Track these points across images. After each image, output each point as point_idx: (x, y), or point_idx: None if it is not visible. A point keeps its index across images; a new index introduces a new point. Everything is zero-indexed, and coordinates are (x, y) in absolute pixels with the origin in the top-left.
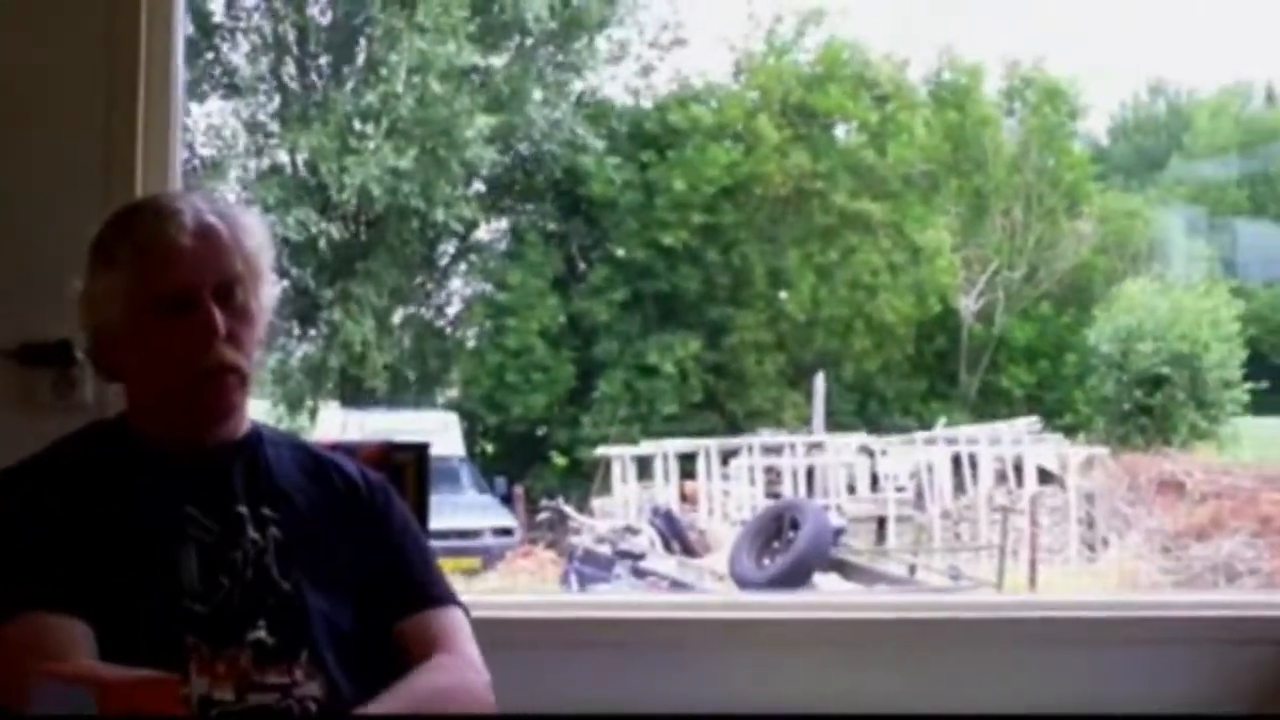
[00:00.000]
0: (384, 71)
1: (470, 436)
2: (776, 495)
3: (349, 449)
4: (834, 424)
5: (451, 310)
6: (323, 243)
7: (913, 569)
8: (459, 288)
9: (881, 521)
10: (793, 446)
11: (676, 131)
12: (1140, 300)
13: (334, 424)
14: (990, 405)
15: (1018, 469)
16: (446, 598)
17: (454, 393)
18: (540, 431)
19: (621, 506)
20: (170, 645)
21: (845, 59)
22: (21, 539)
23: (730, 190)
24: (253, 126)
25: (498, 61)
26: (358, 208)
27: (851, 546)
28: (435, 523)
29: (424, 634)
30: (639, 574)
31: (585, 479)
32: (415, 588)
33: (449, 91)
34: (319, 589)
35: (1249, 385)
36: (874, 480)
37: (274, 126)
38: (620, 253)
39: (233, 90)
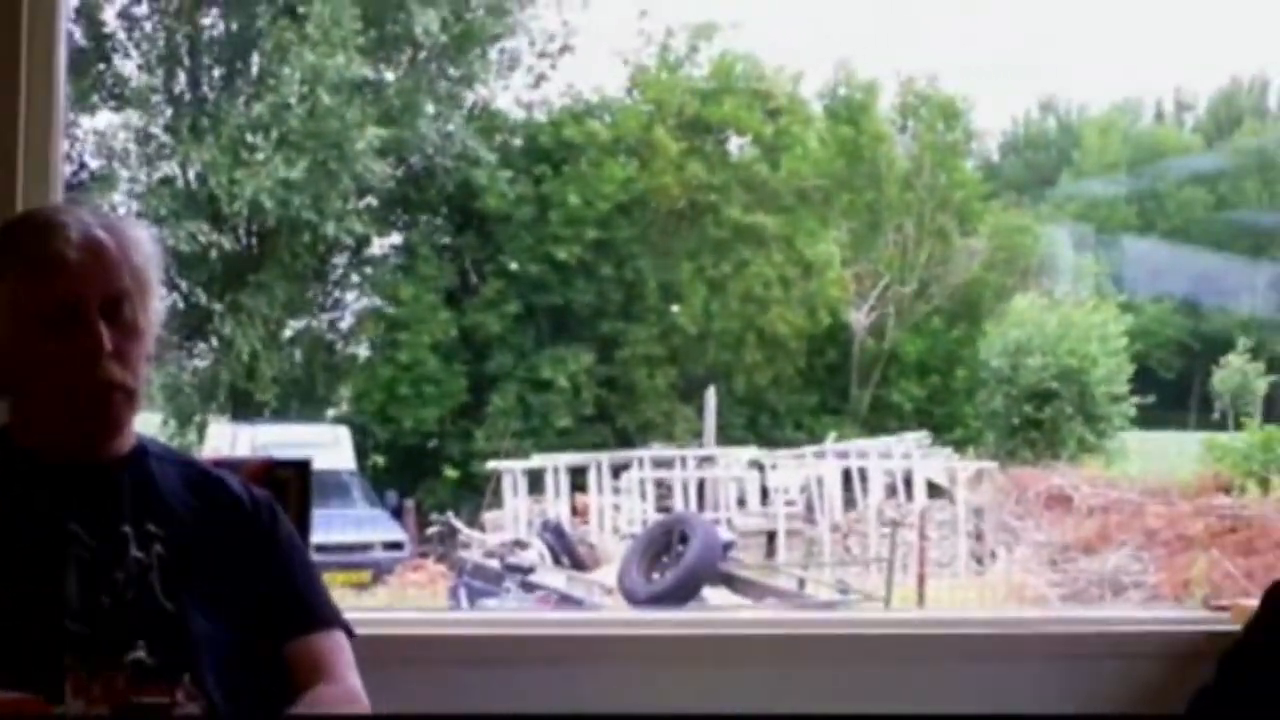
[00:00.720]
0: (275, 83)
1: (361, 450)
2: (667, 509)
3: (233, 465)
4: (725, 438)
5: (343, 324)
6: (214, 255)
7: (802, 583)
8: (351, 301)
9: (771, 535)
10: (683, 460)
11: (571, 146)
12: (1029, 316)
13: (224, 438)
14: (881, 419)
15: (907, 483)
16: (331, 619)
17: (345, 406)
18: (432, 445)
19: (513, 520)
20: (47, 665)
21: (739, 72)
22: None
23: (624, 205)
24: (144, 138)
25: (389, 74)
26: (249, 220)
27: (741, 560)
28: (326, 536)
29: (307, 658)
30: (528, 588)
31: (477, 492)
32: (300, 608)
33: (340, 104)
34: (204, 608)
35: (1136, 400)
36: (764, 494)
37: (165, 138)
38: (513, 267)
39: (124, 101)
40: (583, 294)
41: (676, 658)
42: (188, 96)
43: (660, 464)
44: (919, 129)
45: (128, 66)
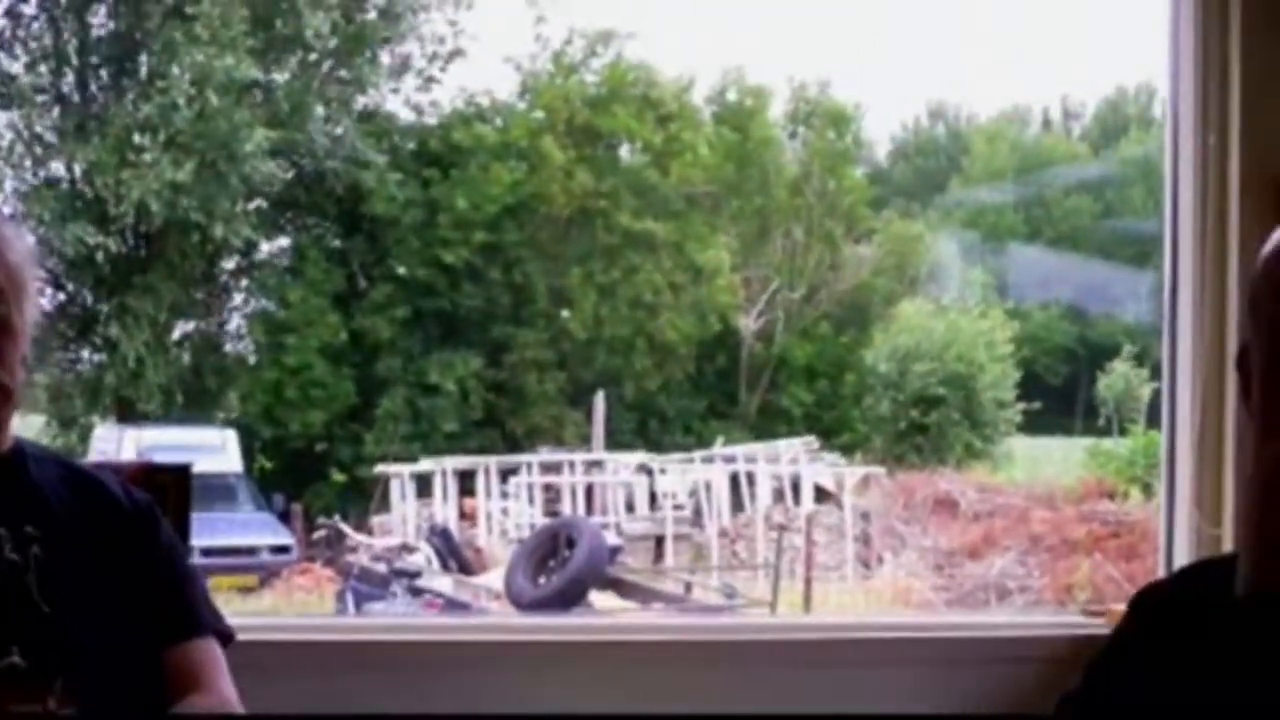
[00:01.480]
0: (163, 84)
1: (249, 453)
2: (556, 513)
3: (113, 469)
4: (614, 442)
5: (231, 326)
6: (100, 257)
7: (688, 587)
8: (239, 304)
9: (659, 540)
10: (572, 465)
11: (460, 150)
12: (917, 322)
13: (109, 441)
14: (769, 424)
15: (795, 487)
16: (208, 626)
17: (233, 409)
18: (320, 448)
19: (400, 524)
20: None
21: (631, 80)
22: None
23: (513, 209)
24: (30, 138)
25: (279, 76)
26: (136, 222)
27: (628, 565)
28: (212, 540)
29: (183, 665)
30: (415, 592)
31: (365, 496)
32: (178, 614)
33: (229, 106)
34: (81, 611)
35: (1022, 406)
36: (653, 498)
37: (52, 138)
38: (402, 270)
39: (10, 101)
40: (471, 298)
41: (562, 662)
42: (75, 96)
43: (548, 468)
44: (809, 135)
45: (14, 65)
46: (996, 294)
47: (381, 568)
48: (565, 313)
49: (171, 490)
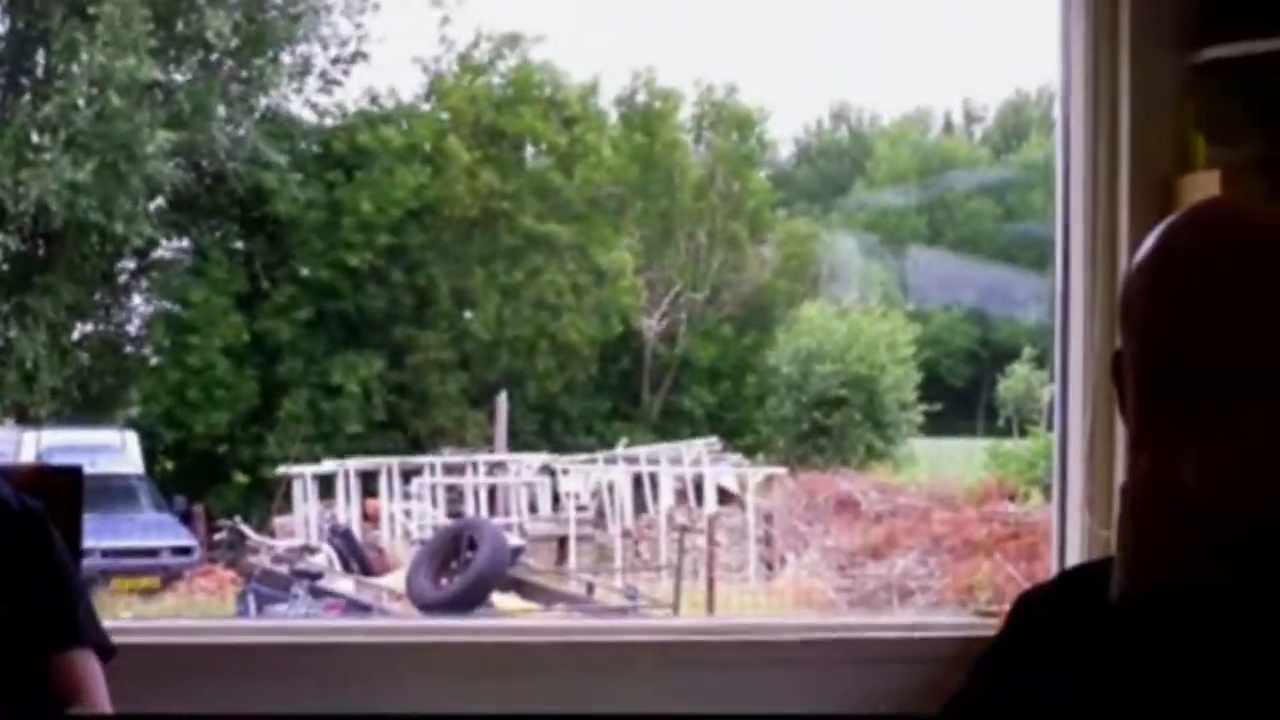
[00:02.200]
0: (62, 83)
1: (150, 454)
2: (458, 514)
3: (4, 472)
4: (517, 443)
5: (132, 327)
6: None
7: (591, 588)
8: (140, 304)
9: (563, 541)
10: (475, 466)
11: (364, 152)
12: (820, 323)
13: (7, 443)
14: (672, 425)
15: (698, 488)
16: (89, 639)
17: (134, 410)
18: (222, 450)
19: (303, 525)
20: None
21: (537, 81)
22: None
23: (417, 212)
24: None
25: (180, 77)
26: (35, 221)
27: (531, 566)
28: (113, 541)
29: (62, 676)
30: (317, 594)
31: (267, 498)
32: (60, 623)
33: (129, 105)
34: None
35: (924, 407)
36: (556, 499)
37: None
38: (305, 272)
39: None
40: (374, 300)
41: (464, 664)
42: None
43: (451, 469)
44: (714, 139)
45: None
46: (899, 296)
47: (283, 569)
48: (468, 314)
49: (64, 492)
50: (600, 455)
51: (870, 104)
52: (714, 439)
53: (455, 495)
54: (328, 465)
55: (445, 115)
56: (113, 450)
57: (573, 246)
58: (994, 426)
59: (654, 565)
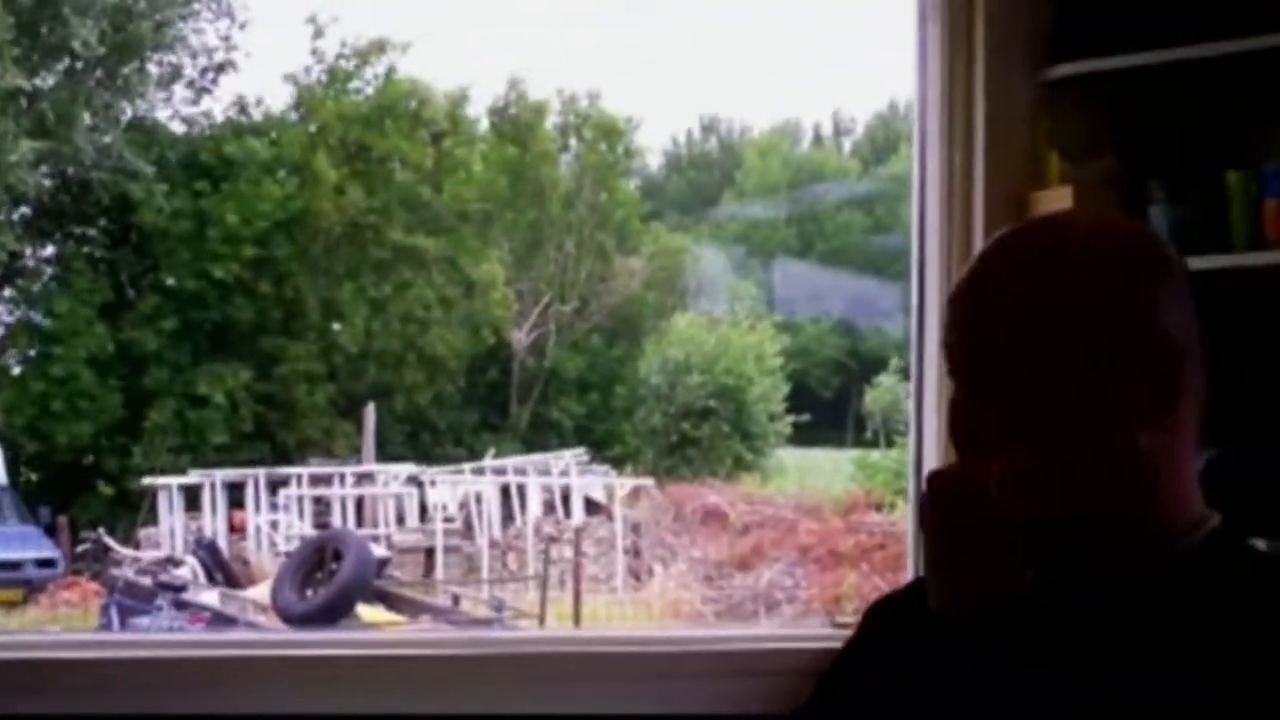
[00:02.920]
0: None
1: (14, 465)
2: (325, 525)
3: None
4: (384, 455)
5: None
6: None
7: (457, 600)
8: (2, 314)
9: (430, 552)
10: (342, 477)
11: (231, 163)
12: (688, 335)
13: None
14: (540, 436)
15: (566, 499)
16: None
17: None
18: (87, 461)
19: (169, 537)
20: None
21: (404, 93)
22: None
23: (284, 223)
24: None
25: (45, 84)
26: None
27: (397, 577)
28: None
29: None
30: (181, 606)
31: (133, 509)
32: None
33: None
34: None
35: (792, 418)
36: (424, 511)
37: None
38: (171, 282)
39: None
40: (241, 311)
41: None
42: None
43: (319, 480)
44: (581, 148)
45: None
46: (767, 307)
47: (147, 581)
48: (336, 326)
49: None
50: (468, 466)
51: (740, 115)
52: (582, 450)
53: (322, 507)
54: (194, 476)
55: (313, 128)
56: None
57: (441, 259)
58: (862, 437)
59: (522, 576)
